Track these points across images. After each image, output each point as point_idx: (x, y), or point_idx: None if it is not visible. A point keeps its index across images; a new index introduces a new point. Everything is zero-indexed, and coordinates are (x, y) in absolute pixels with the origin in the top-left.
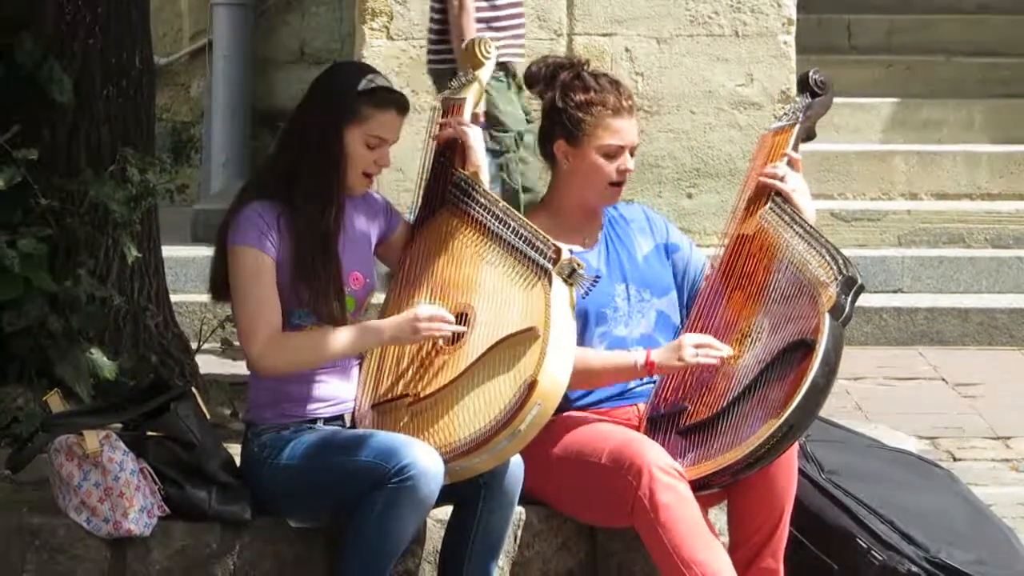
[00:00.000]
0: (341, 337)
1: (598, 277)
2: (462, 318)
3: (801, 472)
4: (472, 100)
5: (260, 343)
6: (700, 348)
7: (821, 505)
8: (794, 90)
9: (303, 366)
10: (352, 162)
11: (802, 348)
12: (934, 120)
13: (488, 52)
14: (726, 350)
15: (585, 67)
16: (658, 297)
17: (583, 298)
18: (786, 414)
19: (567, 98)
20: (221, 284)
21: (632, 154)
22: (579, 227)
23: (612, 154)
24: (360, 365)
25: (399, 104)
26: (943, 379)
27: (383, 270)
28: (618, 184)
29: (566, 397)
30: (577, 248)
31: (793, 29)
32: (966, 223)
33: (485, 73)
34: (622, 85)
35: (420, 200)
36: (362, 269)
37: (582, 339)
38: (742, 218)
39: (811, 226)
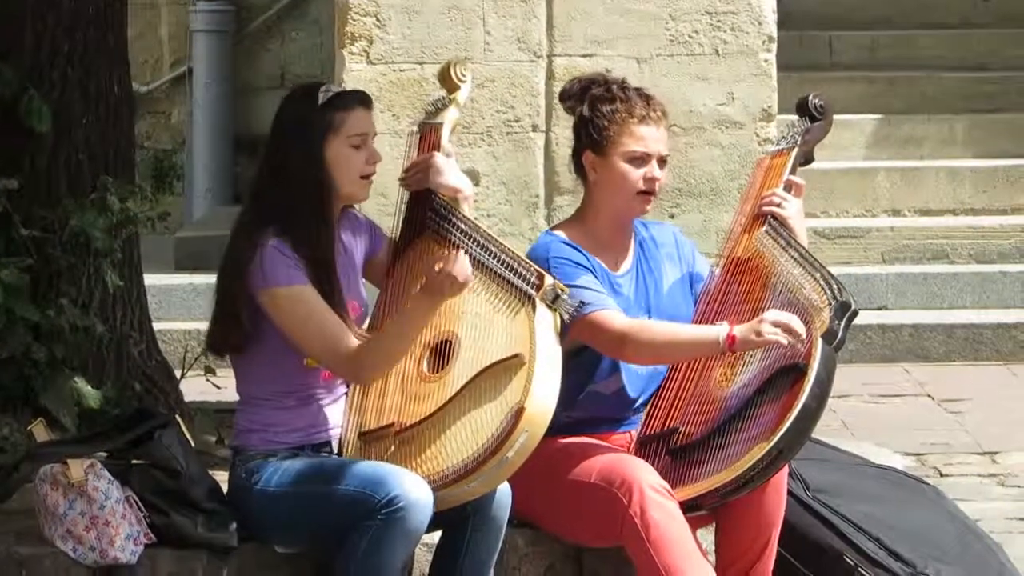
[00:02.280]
0: (401, 326)
1: (582, 303)
2: (446, 346)
3: (787, 491)
4: (449, 124)
5: (352, 367)
6: (778, 326)
7: (808, 523)
8: (776, 108)
9: (395, 360)
10: (344, 171)
11: (794, 372)
12: (917, 136)
13: (464, 75)
14: (802, 330)
15: (617, 83)
16: None
17: (569, 319)
18: (776, 438)
19: (594, 108)
20: (233, 340)
21: (661, 165)
22: (610, 243)
23: (637, 160)
24: (347, 393)
25: (361, 100)
26: (929, 395)
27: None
28: (646, 193)
29: (558, 425)
30: (611, 271)
31: (774, 47)
32: (950, 239)
33: (462, 96)
34: (654, 99)
35: (401, 225)
36: (357, 298)
37: (599, 365)
38: (738, 240)
39: (806, 250)
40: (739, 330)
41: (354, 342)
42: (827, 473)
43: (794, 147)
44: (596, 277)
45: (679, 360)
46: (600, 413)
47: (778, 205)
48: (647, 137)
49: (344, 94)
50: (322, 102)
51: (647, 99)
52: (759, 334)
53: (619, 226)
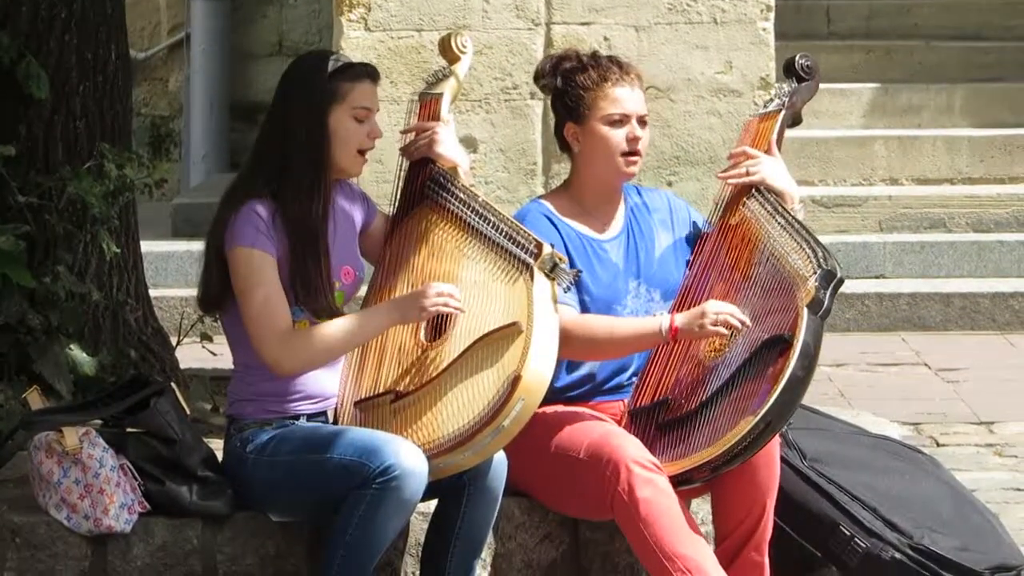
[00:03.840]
0: (350, 326)
1: (580, 272)
2: (444, 314)
3: (783, 460)
4: (449, 95)
5: (272, 346)
6: (719, 315)
7: (804, 493)
8: (774, 76)
9: (318, 362)
10: (344, 142)
11: (781, 343)
12: (914, 105)
13: (464, 47)
14: (747, 321)
15: (587, 54)
16: (665, 300)
17: (565, 291)
18: (763, 411)
19: (567, 80)
20: (214, 295)
21: (641, 124)
22: (596, 210)
23: (617, 123)
24: (344, 360)
25: (370, 74)
26: (926, 365)
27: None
28: (630, 154)
29: (553, 389)
30: (596, 236)
31: (772, 15)
32: (947, 208)
33: (462, 68)
34: (627, 63)
35: (399, 194)
36: (352, 263)
37: None
38: (726, 207)
39: (794, 217)
40: (681, 320)
41: (290, 324)
42: (823, 443)
43: (781, 109)
44: (568, 254)
45: (622, 355)
46: (589, 382)
47: (746, 174)
48: (623, 98)
49: (354, 66)
50: (333, 69)
51: (619, 64)
52: (701, 327)
53: (606, 193)
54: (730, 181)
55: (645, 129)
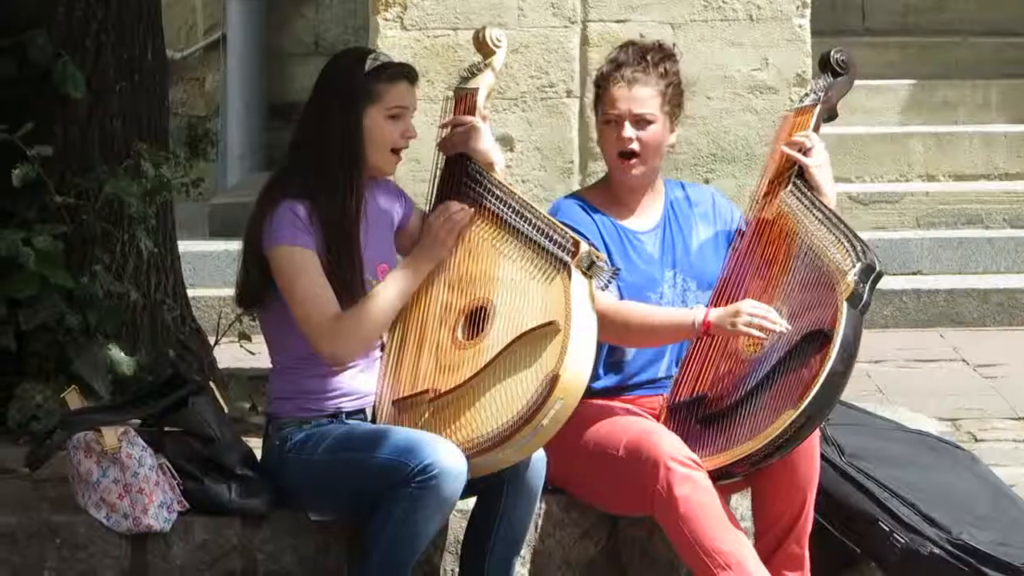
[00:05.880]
0: (389, 291)
1: (618, 270)
2: (481, 312)
3: (822, 456)
4: (485, 90)
5: (327, 335)
6: (753, 317)
7: (843, 489)
8: (810, 73)
9: (373, 335)
10: (378, 142)
11: (820, 337)
12: (950, 101)
13: (498, 40)
14: (781, 325)
15: (624, 45)
16: (702, 291)
17: (603, 289)
18: (803, 405)
19: (596, 82)
20: (251, 293)
21: (638, 124)
22: (629, 203)
23: (611, 123)
24: (381, 359)
25: (408, 75)
26: (964, 360)
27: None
28: (624, 154)
29: (592, 386)
30: (631, 227)
31: (807, 12)
32: (984, 204)
33: (497, 62)
34: (652, 53)
35: (435, 192)
36: (389, 260)
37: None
38: (763, 202)
39: (831, 211)
40: (714, 316)
41: (339, 310)
42: (862, 439)
43: (817, 104)
44: (604, 242)
45: (656, 344)
46: (623, 376)
47: (806, 150)
48: (618, 98)
49: (391, 66)
50: (369, 68)
51: (641, 55)
52: (733, 325)
53: (628, 188)
54: (787, 150)
55: (646, 128)
